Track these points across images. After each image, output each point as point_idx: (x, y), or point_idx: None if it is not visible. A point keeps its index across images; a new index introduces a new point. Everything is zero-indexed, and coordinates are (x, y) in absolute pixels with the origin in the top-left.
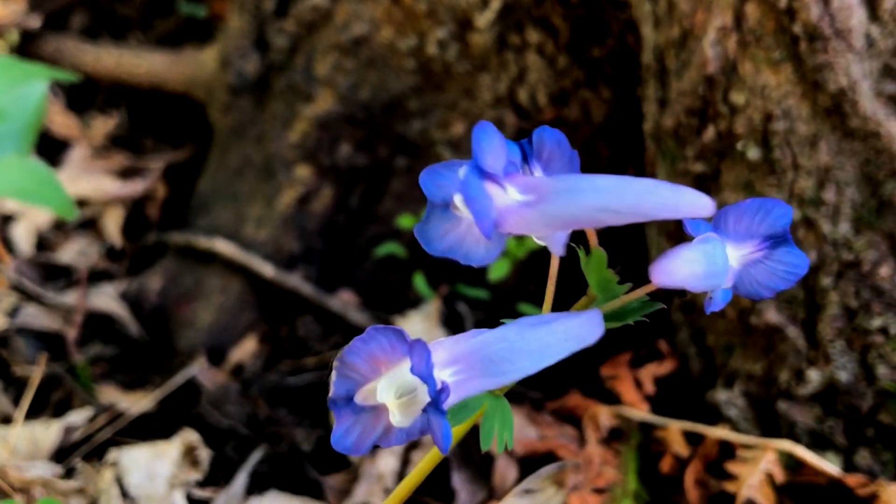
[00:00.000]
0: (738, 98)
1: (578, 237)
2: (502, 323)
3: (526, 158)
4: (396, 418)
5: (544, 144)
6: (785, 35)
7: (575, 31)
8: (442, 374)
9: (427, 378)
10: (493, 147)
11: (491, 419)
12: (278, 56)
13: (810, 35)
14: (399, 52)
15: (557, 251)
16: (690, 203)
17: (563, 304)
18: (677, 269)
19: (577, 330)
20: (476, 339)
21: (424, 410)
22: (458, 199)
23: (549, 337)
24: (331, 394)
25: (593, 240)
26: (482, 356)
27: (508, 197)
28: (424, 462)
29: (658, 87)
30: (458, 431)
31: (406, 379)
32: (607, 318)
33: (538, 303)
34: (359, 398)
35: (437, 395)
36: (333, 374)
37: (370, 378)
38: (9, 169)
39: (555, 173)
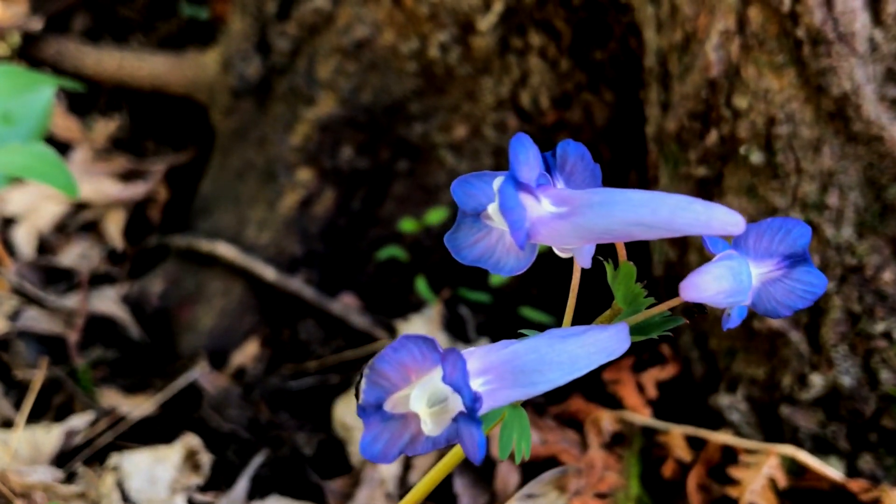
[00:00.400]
0: (740, 102)
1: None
2: (522, 334)
3: (549, 170)
4: (428, 427)
5: (567, 158)
6: (788, 39)
7: (577, 34)
8: (472, 384)
9: (462, 387)
10: (528, 159)
11: (510, 429)
12: (280, 59)
13: (813, 39)
14: (401, 55)
15: (583, 263)
16: (722, 220)
17: (555, 308)
18: (706, 284)
19: (607, 343)
20: (507, 350)
21: (455, 419)
22: (491, 209)
23: (580, 349)
24: (360, 401)
25: (622, 253)
26: (513, 367)
27: (542, 208)
28: (436, 470)
29: (661, 91)
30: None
31: (438, 388)
32: (632, 331)
33: (540, 307)
34: (388, 406)
35: (473, 404)
36: (363, 382)
37: (400, 386)
38: (15, 152)
39: (577, 186)
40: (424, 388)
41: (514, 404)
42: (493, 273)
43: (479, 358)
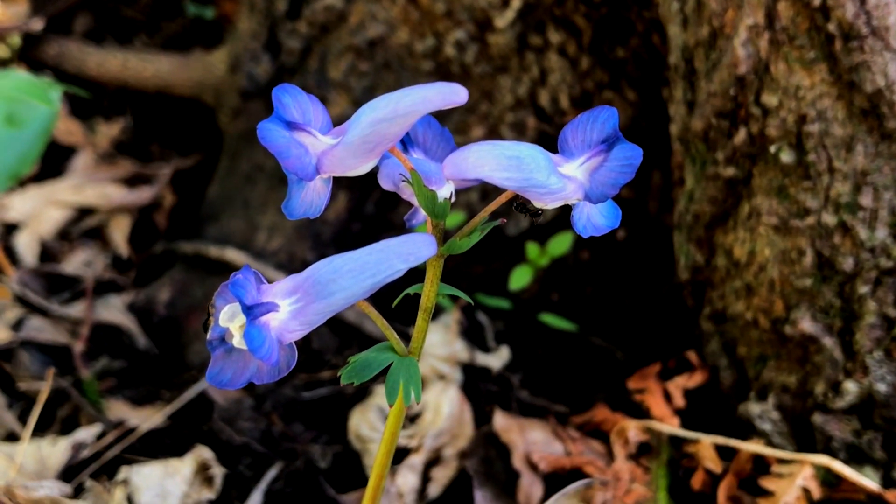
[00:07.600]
0: (770, 99)
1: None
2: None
3: (406, 149)
4: (235, 339)
5: (417, 130)
6: (819, 34)
7: (598, 31)
8: (285, 303)
9: (237, 296)
10: (297, 103)
11: (396, 375)
12: (290, 59)
13: (846, 34)
14: (416, 53)
15: (381, 182)
16: (439, 92)
17: (576, 314)
18: (464, 161)
19: (399, 248)
20: (310, 268)
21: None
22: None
23: (368, 257)
24: (208, 336)
25: (407, 164)
26: (314, 281)
27: (322, 143)
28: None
29: (686, 89)
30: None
31: (235, 305)
32: (460, 241)
33: (560, 313)
34: (228, 337)
35: (248, 310)
36: (211, 320)
37: None
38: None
39: (434, 152)
40: (230, 307)
41: (403, 354)
42: (312, 217)
43: (290, 280)
